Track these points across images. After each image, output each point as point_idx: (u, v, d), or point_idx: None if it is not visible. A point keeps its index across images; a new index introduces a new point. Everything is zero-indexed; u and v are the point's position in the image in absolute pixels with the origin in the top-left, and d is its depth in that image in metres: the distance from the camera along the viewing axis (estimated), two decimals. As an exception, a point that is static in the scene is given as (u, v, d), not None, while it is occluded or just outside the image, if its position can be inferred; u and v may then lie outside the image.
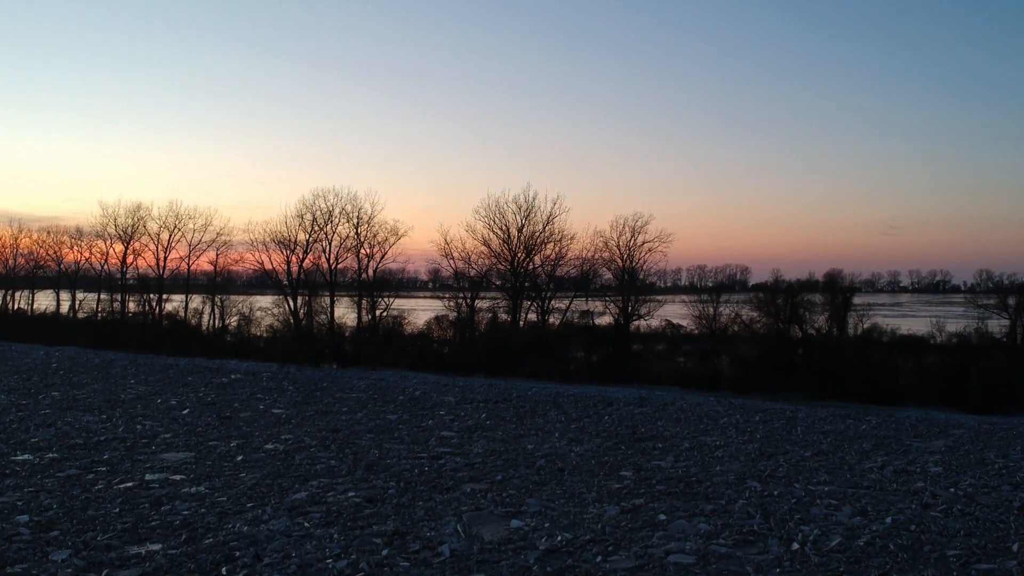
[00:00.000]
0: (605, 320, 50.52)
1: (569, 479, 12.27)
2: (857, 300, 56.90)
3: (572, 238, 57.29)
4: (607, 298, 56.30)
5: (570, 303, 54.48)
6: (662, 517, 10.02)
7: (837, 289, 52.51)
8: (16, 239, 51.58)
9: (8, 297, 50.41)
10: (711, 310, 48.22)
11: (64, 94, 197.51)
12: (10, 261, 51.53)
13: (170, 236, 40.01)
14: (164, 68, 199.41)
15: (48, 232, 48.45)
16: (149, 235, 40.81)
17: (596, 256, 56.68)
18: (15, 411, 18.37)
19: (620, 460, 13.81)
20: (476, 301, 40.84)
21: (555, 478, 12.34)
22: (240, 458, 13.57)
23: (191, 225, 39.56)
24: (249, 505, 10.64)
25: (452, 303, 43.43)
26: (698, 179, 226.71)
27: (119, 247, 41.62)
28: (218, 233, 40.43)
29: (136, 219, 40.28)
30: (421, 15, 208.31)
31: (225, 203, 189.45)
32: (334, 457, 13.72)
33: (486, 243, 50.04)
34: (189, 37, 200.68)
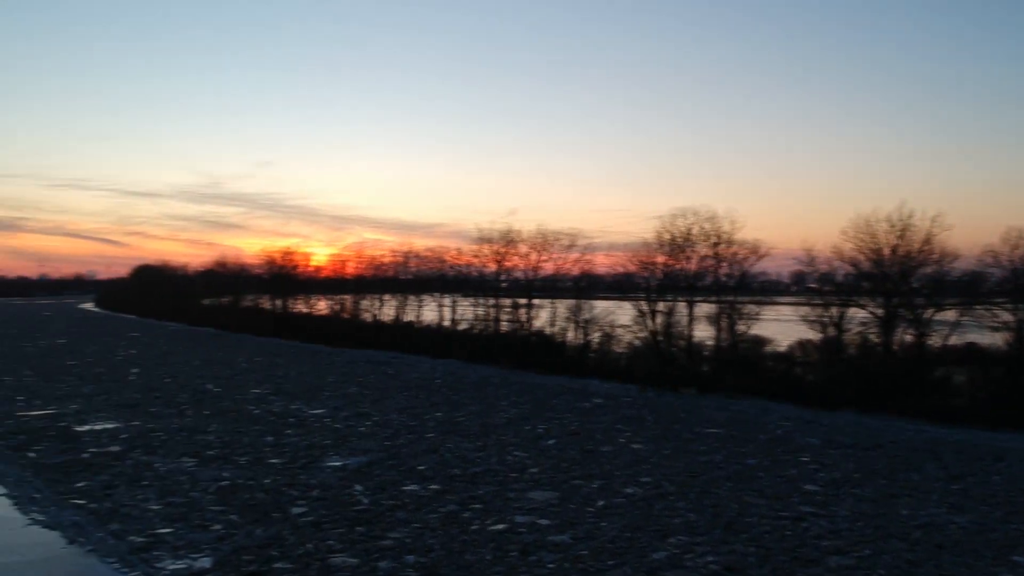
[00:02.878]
0: (999, 339, 44.97)
1: (948, 561, 11.18)
2: None
3: (955, 257, 51.87)
4: (994, 311, 50.11)
5: (958, 318, 49.37)
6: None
7: None
8: (407, 252, 58.11)
9: (401, 304, 56.35)
10: None
11: (444, 118, 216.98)
12: (403, 271, 58.07)
13: (538, 257, 42.51)
14: (524, 87, 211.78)
15: (432, 249, 54.97)
16: (519, 256, 43.66)
17: (987, 273, 50.89)
18: (406, 433, 20.50)
19: (1011, 539, 12.31)
20: (843, 317, 38.48)
21: (932, 557, 11.30)
22: (601, 503, 13.98)
23: (556, 246, 41.84)
24: (610, 563, 10.93)
25: (816, 320, 41.26)
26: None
27: (492, 265, 45.20)
28: (582, 252, 42.20)
29: (508, 240, 43.36)
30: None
31: (585, 207, 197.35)
32: (693, 509, 13.67)
33: (854, 264, 47.12)
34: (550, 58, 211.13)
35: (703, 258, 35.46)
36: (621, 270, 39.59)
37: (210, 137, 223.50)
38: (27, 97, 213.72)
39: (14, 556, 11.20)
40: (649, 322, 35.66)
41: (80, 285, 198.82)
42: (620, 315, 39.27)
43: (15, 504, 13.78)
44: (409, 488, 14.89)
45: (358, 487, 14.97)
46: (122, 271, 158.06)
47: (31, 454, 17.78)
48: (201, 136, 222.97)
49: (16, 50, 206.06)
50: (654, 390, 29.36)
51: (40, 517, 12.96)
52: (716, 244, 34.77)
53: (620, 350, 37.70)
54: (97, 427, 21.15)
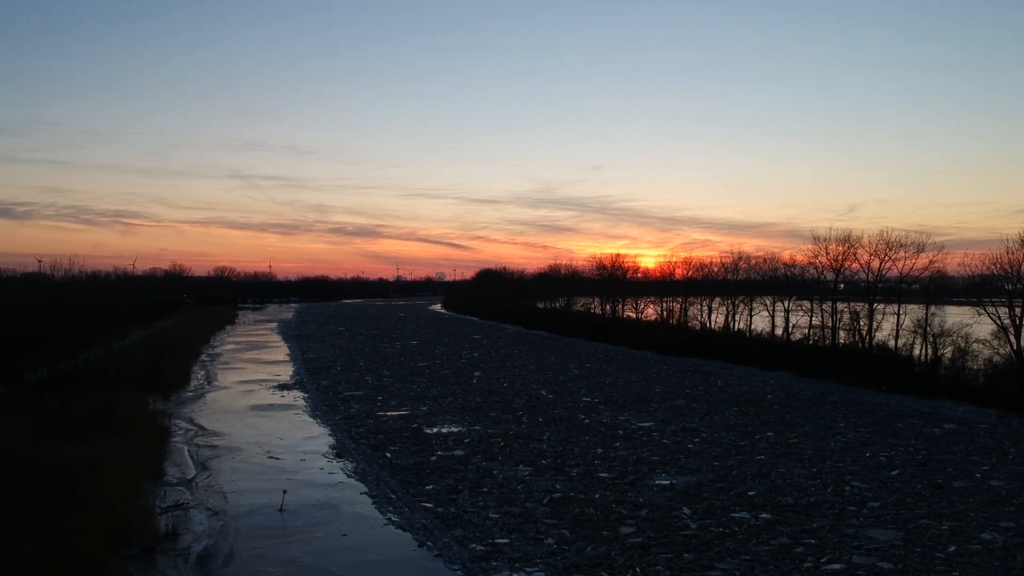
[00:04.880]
0: None
1: None
2: None
3: None
4: None
5: None
6: None
7: None
8: (737, 254, 56.52)
9: (730, 310, 54.98)
10: None
11: (773, 113, 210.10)
12: (732, 274, 56.50)
13: (880, 264, 39.48)
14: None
15: (763, 251, 53.22)
16: (859, 263, 40.90)
17: None
18: (735, 454, 20.02)
19: None
20: None
21: None
22: (952, 549, 12.76)
23: (901, 253, 38.56)
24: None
25: None
26: None
27: (828, 270, 42.64)
28: (932, 253, 38.62)
29: (847, 248, 40.75)
30: None
31: (934, 200, 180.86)
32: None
33: None
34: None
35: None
36: (978, 273, 35.80)
37: (543, 145, 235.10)
38: (385, 117, 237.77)
39: (373, 554, 12.44)
40: (1012, 336, 32.03)
41: (430, 286, 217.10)
42: (976, 326, 35.55)
43: (375, 503, 15.31)
44: (738, 515, 14.54)
45: (686, 510, 14.88)
46: (467, 273, 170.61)
47: (388, 454, 19.68)
48: (535, 145, 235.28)
49: (378, 80, 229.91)
50: (1018, 417, 26.22)
51: (395, 518, 14.30)
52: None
53: (976, 368, 34.15)
54: (444, 430, 22.94)
